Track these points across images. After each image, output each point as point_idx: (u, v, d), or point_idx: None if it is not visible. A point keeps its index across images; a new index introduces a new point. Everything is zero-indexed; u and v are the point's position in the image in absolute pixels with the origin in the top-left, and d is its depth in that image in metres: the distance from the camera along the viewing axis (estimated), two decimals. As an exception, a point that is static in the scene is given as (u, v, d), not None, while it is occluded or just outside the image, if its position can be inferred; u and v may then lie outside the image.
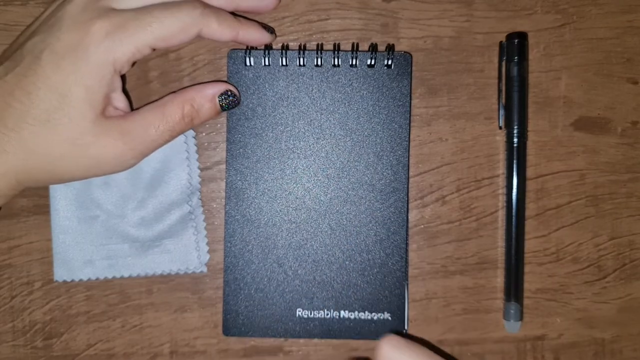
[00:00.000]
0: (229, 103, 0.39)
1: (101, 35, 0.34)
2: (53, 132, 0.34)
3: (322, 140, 0.40)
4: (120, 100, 0.37)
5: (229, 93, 0.38)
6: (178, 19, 0.35)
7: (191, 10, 0.35)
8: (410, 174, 0.41)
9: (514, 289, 0.41)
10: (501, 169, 0.42)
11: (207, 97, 0.38)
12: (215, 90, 0.38)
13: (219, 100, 0.38)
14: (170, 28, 0.35)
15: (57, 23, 0.35)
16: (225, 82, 0.40)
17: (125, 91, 0.38)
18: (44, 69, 0.34)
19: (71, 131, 0.34)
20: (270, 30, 0.39)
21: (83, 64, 0.34)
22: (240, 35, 0.37)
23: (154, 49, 0.35)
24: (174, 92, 0.38)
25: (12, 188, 0.36)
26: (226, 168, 0.41)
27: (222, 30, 0.36)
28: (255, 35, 0.38)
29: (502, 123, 0.41)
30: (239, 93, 0.40)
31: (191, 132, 0.41)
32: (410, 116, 0.41)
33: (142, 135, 0.36)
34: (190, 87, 0.38)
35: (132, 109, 0.38)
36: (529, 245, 0.42)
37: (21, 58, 0.34)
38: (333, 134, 0.40)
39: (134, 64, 0.37)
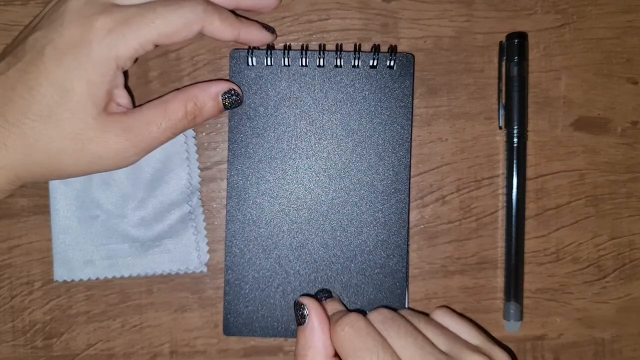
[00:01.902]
0: (232, 102, 0.38)
1: (104, 31, 0.34)
2: (54, 127, 0.34)
3: (324, 141, 0.40)
4: (122, 97, 0.37)
5: (233, 92, 0.38)
6: (181, 15, 0.35)
7: (194, 7, 0.35)
8: (411, 174, 0.41)
9: (513, 289, 0.41)
10: (501, 169, 0.42)
11: (210, 95, 0.38)
12: (218, 88, 0.38)
13: (222, 99, 0.38)
14: (173, 24, 0.35)
15: (59, 18, 0.34)
16: (229, 80, 0.40)
17: (127, 88, 0.38)
18: (46, 65, 0.34)
19: (73, 126, 0.34)
20: (271, 30, 0.39)
21: (85, 60, 0.34)
22: (241, 34, 0.37)
23: (156, 46, 0.35)
24: (177, 89, 0.38)
25: (10, 183, 0.36)
26: (228, 168, 0.40)
27: (224, 28, 0.36)
28: (256, 35, 0.38)
29: (502, 123, 0.41)
30: (242, 92, 0.40)
31: (191, 132, 0.41)
32: (412, 117, 0.41)
33: (144, 132, 0.36)
34: (193, 85, 0.38)
35: (134, 106, 0.38)
36: (529, 245, 0.42)
37: (23, 53, 0.34)
38: (335, 135, 0.40)
39: (136, 60, 0.37)
